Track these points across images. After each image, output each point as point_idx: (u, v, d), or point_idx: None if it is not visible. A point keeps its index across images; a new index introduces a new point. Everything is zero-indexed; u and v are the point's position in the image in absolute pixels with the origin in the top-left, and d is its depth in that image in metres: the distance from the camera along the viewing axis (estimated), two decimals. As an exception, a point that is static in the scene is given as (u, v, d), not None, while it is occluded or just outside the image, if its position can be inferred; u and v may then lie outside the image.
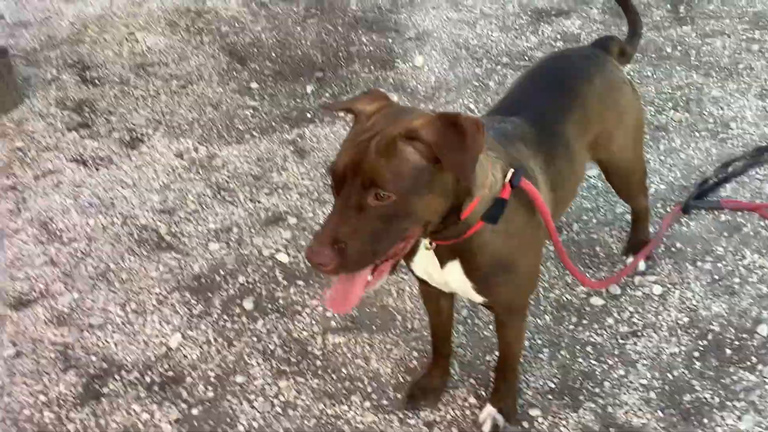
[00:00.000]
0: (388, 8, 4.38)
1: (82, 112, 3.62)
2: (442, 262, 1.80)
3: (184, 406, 2.29)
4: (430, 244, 1.75)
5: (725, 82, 3.51)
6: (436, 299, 2.10)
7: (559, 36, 3.99)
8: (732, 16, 4.04)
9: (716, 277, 2.55)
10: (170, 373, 2.39)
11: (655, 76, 3.60)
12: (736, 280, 2.53)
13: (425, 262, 1.84)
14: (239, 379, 2.36)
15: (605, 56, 2.23)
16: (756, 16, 4.02)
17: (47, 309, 2.60)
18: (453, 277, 1.82)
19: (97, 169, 3.24)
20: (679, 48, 3.81)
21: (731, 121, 3.26)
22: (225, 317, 2.56)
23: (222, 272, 2.73)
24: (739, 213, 2.78)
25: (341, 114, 3.49)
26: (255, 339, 2.49)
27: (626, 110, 2.20)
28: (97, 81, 3.84)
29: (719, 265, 2.59)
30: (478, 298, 1.86)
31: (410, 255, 1.86)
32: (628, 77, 2.28)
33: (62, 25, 4.33)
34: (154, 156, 3.31)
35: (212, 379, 2.37)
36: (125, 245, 2.85)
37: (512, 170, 1.71)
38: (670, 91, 3.49)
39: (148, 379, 2.37)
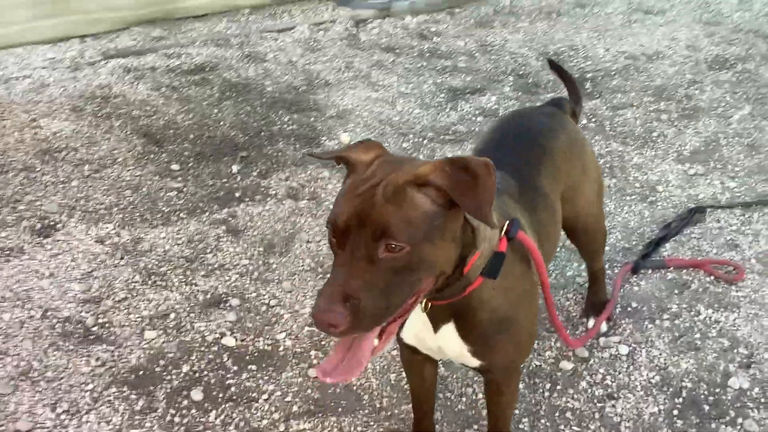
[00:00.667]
0: (304, 89, 4.34)
1: (-16, 200, 3.31)
2: (436, 326, 1.69)
3: None
4: (426, 305, 1.63)
5: (643, 149, 3.65)
6: (420, 368, 1.97)
7: (478, 111, 4.06)
8: (636, 90, 4.26)
9: (677, 334, 2.55)
10: (115, 480, 2.11)
11: (578, 146, 3.70)
12: (697, 335, 2.53)
13: (417, 326, 1.72)
14: (197, 479, 2.11)
15: (563, 114, 2.24)
16: (658, 89, 4.25)
17: (-40, 417, 2.26)
18: (447, 341, 1.70)
19: (7, 261, 2.93)
20: (593, 119, 3.95)
21: (657, 184, 3.37)
22: (172, 411, 2.31)
23: (163, 362, 2.48)
24: (684, 271, 2.82)
25: (273, 192, 3.36)
26: (209, 433, 2.24)
27: (588, 165, 2.20)
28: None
29: (677, 321, 2.60)
30: (474, 362, 1.74)
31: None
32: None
33: (-46, 112, 4.01)
34: (72, 243, 3.04)
35: (165, 482, 2.10)
36: (48, 340, 2.55)
37: (507, 222, 1.64)
38: (595, 159, 3.59)
39: (89, 489, 2.08)
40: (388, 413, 2.29)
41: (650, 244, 2.90)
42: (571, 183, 2.12)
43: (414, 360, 1.95)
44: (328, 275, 1.64)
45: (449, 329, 1.68)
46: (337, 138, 3.82)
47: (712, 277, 2.78)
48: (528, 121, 2.17)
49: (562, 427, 2.24)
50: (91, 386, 2.38)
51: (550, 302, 1.86)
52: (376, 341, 1.43)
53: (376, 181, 1.42)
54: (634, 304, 2.68)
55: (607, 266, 2.86)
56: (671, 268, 2.83)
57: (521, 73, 4.54)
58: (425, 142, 3.78)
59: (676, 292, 2.73)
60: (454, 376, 2.42)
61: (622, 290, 2.74)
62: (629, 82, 4.35)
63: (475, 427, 2.24)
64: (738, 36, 4.86)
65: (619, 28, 5.12)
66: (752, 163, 3.49)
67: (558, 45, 4.88)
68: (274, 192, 3.38)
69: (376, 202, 1.37)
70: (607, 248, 2.96)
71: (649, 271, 2.83)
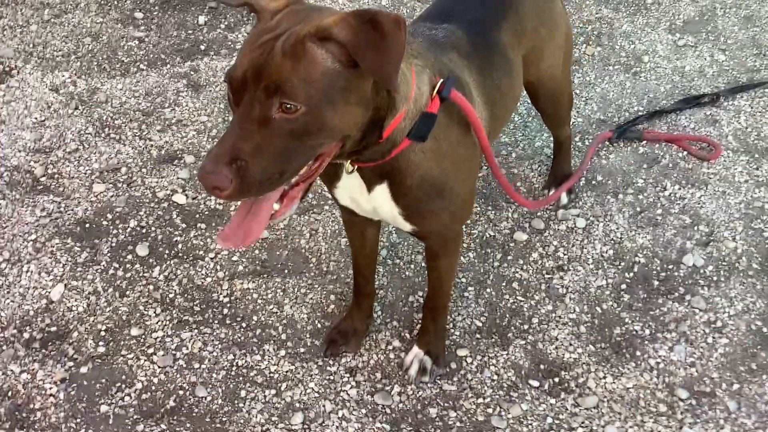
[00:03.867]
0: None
1: (-64, 42, 3.16)
2: (370, 187, 1.60)
3: (70, 364, 2.02)
4: (352, 166, 1.54)
5: (634, 17, 3.45)
6: (361, 230, 1.91)
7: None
8: (636, -47, 3.98)
9: (638, 209, 2.47)
10: (53, 329, 2.10)
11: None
12: (659, 211, 2.46)
13: (351, 187, 1.64)
14: (135, 332, 2.10)
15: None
16: (660, -47, 3.97)
17: None
18: (380, 203, 1.63)
19: (-43, 105, 2.84)
20: (587, -18, 3.71)
21: (643, 54, 3.19)
22: (115, 265, 2.28)
23: (110, 216, 2.43)
24: (657, 145, 2.71)
25: (237, 46, 3.20)
26: (152, 288, 2.22)
27: (557, 25, 2.04)
28: (-47, 8, 3.37)
29: (641, 197, 2.52)
30: (408, 227, 1.68)
31: (333, 180, 1.66)
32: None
33: None
34: (26, 90, 2.93)
35: (103, 333, 2.10)
36: (-6, 188, 2.50)
37: (441, 81, 1.52)
38: (581, 25, 3.39)
39: (26, 336, 2.08)
40: (334, 277, 2.26)
41: (636, 119, 2.76)
42: (536, 42, 1.97)
43: (354, 222, 1.88)
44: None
45: (382, 190, 1.60)
46: (313, -9, 3.60)
47: (686, 153, 2.68)
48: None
49: (507, 296, 2.21)
50: (34, 236, 2.34)
51: (494, 165, 1.76)
52: (276, 206, 1.35)
53: (278, 32, 1.29)
54: (599, 177, 2.59)
55: (578, 138, 2.77)
56: (645, 142, 2.72)
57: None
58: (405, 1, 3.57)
59: (645, 166, 2.64)
60: (406, 243, 2.37)
61: (590, 163, 2.65)
62: (631, -56, 4.06)
63: (420, 293, 2.21)
64: None
65: None
66: (745, 36, 3.30)
67: None
68: (240, 46, 3.21)
69: (273, 56, 1.25)
70: (581, 119, 2.86)
71: (621, 144, 2.72)
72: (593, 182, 2.58)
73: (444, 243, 1.78)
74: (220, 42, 3.26)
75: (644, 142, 2.73)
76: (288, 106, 1.25)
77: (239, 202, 1.39)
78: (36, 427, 1.89)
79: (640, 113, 2.84)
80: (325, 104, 1.28)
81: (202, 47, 3.23)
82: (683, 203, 2.49)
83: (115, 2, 3.48)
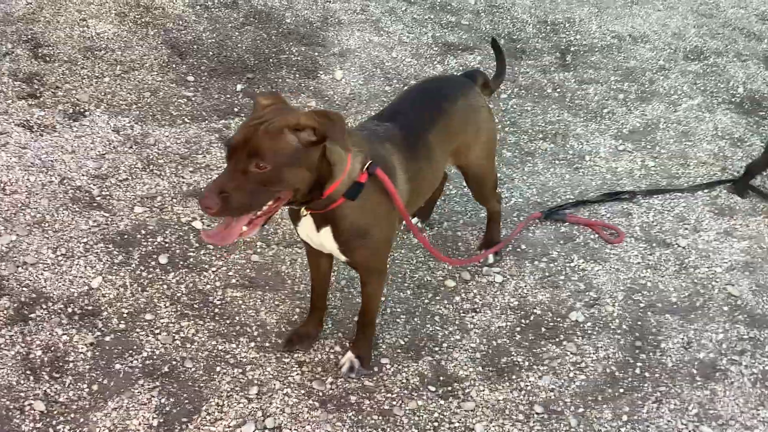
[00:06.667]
0: (318, 25, 4.94)
1: (32, 84, 4.04)
2: (318, 227, 2.35)
3: (98, 333, 2.76)
4: (305, 211, 2.30)
5: (589, 123, 4.19)
6: (317, 258, 2.65)
7: (461, 67, 4.61)
8: (608, 68, 4.74)
9: (547, 273, 3.17)
10: (89, 307, 2.86)
11: (533, 111, 4.26)
12: (562, 277, 3.15)
13: (306, 227, 2.38)
14: (148, 316, 2.84)
15: (471, 84, 2.83)
16: (628, 70, 4.73)
17: (-13, 246, 3.04)
18: (325, 239, 2.37)
19: (41, 135, 3.67)
20: (558, 90, 4.47)
21: (587, 154, 3.92)
22: (142, 268, 3.04)
23: (143, 232, 3.21)
24: (576, 227, 3.42)
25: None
26: (165, 287, 2.97)
27: (482, 128, 2.80)
28: (47, 58, 4.26)
29: (551, 265, 3.21)
30: (343, 258, 2.41)
31: (296, 220, 2.41)
32: (486, 103, 2.87)
33: (19, 4, 4.72)
34: (94, 129, 3.76)
35: (125, 315, 2.84)
36: (60, 201, 3.30)
37: (370, 162, 2.28)
38: (543, 125, 4.14)
39: (69, 310, 2.83)
40: (302, 296, 2.99)
41: (564, 205, 3.47)
42: (464, 140, 2.74)
43: (312, 252, 2.62)
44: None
45: (326, 231, 2.35)
46: (332, 74, 4.43)
47: (597, 236, 3.37)
48: (439, 85, 2.78)
49: (428, 325, 2.91)
50: (85, 240, 3.13)
51: (411, 226, 2.49)
52: (245, 228, 2.11)
53: (264, 119, 2.07)
54: (523, 246, 3.30)
55: (516, 214, 3.49)
56: (567, 224, 3.43)
57: (514, 37, 5.04)
58: (405, 88, 4.36)
59: (562, 242, 3.34)
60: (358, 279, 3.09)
61: (519, 234, 3.35)
62: (606, 60, 4.84)
63: (363, 315, 2.92)
64: (723, 31, 5.25)
65: (620, 7, 5.54)
66: (677, 148, 4.01)
67: (557, 15, 5.35)
68: (238, 124, 4.02)
69: (258, 134, 2.03)
70: (521, 200, 3.58)
71: (548, 223, 3.43)
72: (518, 249, 3.29)
73: (369, 273, 2.51)
74: (251, 106, 4.07)
75: (567, 223, 3.43)
76: (261, 164, 2.02)
77: (222, 220, 2.15)
78: (68, 373, 2.63)
79: (569, 200, 3.55)
80: (285, 167, 2.04)
81: (236, 109, 4.06)
82: (583, 273, 3.18)
83: (174, 66, 4.35)
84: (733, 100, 4.48)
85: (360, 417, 2.55)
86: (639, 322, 2.96)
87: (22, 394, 2.51)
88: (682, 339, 2.90)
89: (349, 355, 2.71)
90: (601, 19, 5.34)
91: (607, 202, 3.56)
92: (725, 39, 5.14)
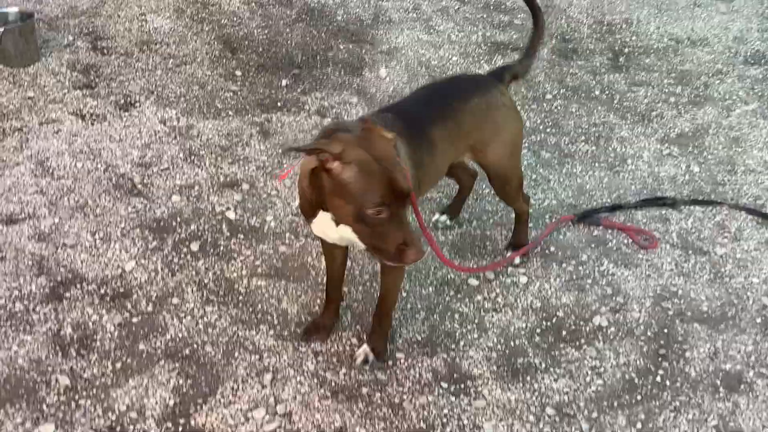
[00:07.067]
0: (368, 23, 4.98)
1: (88, 75, 4.22)
2: (337, 222, 2.38)
3: (127, 314, 2.87)
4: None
5: (635, 126, 4.09)
6: (332, 251, 2.68)
7: (509, 67, 4.57)
8: (662, 71, 4.63)
9: (574, 276, 3.12)
10: (121, 289, 2.97)
11: (578, 113, 4.19)
12: (589, 281, 3.10)
13: (323, 223, 2.41)
14: (175, 300, 2.94)
15: (494, 83, 2.81)
16: (682, 73, 4.60)
17: (31, 227, 3.19)
18: (345, 232, 2.39)
19: (92, 124, 3.83)
20: (606, 92, 4.39)
21: (629, 158, 3.84)
22: (174, 254, 3.14)
23: (178, 219, 3.31)
24: (609, 231, 3.35)
25: (306, 107, 4.08)
26: (194, 273, 3.06)
27: (502, 127, 2.78)
28: (105, 50, 4.44)
29: (579, 268, 3.16)
30: (362, 246, 2.43)
31: (310, 217, 2.44)
32: (509, 102, 2.84)
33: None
34: (142, 120, 3.90)
35: (153, 298, 2.94)
36: (104, 187, 3.44)
37: None
38: (586, 126, 4.07)
39: (102, 291, 2.95)
40: (321, 287, 3.03)
41: (600, 209, 3.41)
42: (480, 138, 2.73)
43: (328, 246, 2.66)
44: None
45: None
46: (377, 72, 4.46)
47: (630, 241, 3.30)
48: (456, 84, 2.79)
49: (447, 323, 2.91)
50: (123, 225, 3.25)
51: (420, 220, 2.50)
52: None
53: (392, 158, 2.19)
54: (552, 249, 3.26)
55: (548, 216, 3.44)
56: (600, 227, 3.37)
57: (567, 37, 4.97)
58: (449, 86, 4.36)
59: (593, 245, 3.28)
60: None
61: (549, 237, 3.31)
62: (660, 62, 4.72)
63: (383, 309, 2.94)
64: (789, 35, 5.05)
65: (681, 9, 5.39)
66: (726, 154, 3.88)
67: (615, 16, 5.24)
68: (308, 107, 4.10)
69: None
70: (555, 202, 3.53)
71: (582, 226, 3.38)
72: (546, 251, 3.25)
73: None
74: (293, 102, 4.15)
75: (600, 227, 3.37)
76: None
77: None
78: (94, 351, 2.74)
79: (605, 204, 3.48)
80: None
81: (279, 104, 4.14)
82: (612, 278, 3.12)
83: (224, 61, 4.46)
84: (792, 106, 4.31)
85: (370, 409, 2.57)
86: (665, 330, 2.89)
87: (50, 368, 2.63)
88: (709, 349, 2.82)
89: (365, 347, 2.73)
90: (661, 20, 5.22)
91: (645, 207, 3.48)
92: (790, 43, 4.95)
